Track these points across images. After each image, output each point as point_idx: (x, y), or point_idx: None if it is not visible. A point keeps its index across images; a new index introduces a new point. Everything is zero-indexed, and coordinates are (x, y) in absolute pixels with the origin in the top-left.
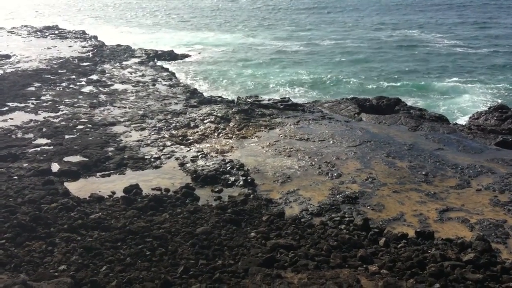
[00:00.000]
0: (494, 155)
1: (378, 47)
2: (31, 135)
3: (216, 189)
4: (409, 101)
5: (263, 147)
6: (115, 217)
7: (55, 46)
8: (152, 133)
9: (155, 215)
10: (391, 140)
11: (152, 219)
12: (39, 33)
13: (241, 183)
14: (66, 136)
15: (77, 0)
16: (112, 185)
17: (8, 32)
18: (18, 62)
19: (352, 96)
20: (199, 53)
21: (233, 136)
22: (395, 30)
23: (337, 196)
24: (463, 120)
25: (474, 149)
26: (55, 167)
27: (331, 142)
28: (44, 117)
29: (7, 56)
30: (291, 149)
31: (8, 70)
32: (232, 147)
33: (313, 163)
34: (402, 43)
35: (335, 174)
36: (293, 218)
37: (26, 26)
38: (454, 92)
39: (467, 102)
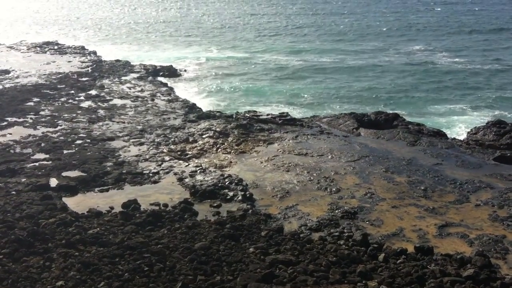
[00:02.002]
0: (492, 170)
1: (378, 65)
2: (29, 150)
3: (215, 204)
4: (407, 116)
5: (261, 162)
6: (113, 232)
7: (55, 61)
8: (151, 148)
9: (153, 230)
10: (389, 155)
11: (150, 234)
12: (38, 49)
13: (239, 198)
14: (65, 151)
15: (78, 15)
16: (110, 200)
17: (8, 47)
18: (18, 77)
19: (350, 111)
20: (198, 68)
21: (232, 151)
22: (396, 46)
23: (336, 211)
24: (461, 135)
25: (472, 164)
26: (53, 182)
27: (329, 157)
28: (43, 132)
29: (7, 71)
30: (290, 164)
31: (8, 85)
32: (231, 162)
33: (311, 178)
34: (403, 59)
35: (334, 189)
36: (292, 233)
37: (25, 41)
38: (451, 107)
39: (465, 117)
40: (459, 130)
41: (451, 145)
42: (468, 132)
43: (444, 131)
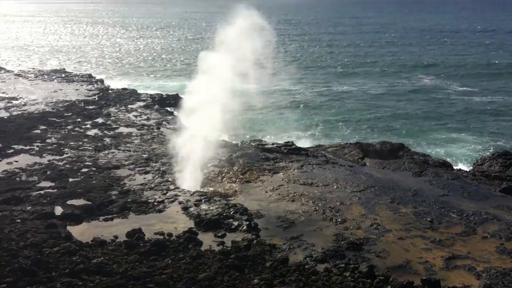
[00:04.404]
0: (499, 202)
1: (383, 93)
2: (35, 178)
3: (219, 234)
4: (413, 145)
5: (266, 191)
6: (117, 262)
7: (62, 89)
8: (156, 176)
9: (157, 260)
10: (395, 186)
11: (154, 264)
12: (46, 76)
13: (244, 228)
14: (70, 179)
15: (84, 44)
16: (115, 229)
17: (16, 75)
18: (25, 104)
19: (355, 140)
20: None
21: (237, 180)
22: (402, 74)
23: (342, 242)
24: (467, 166)
25: (479, 195)
26: (58, 210)
27: (335, 187)
28: (49, 160)
29: (14, 99)
30: (295, 194)
31: (15, 113)
32: (236, 191)
33: (317, 208)
34: (409, 88)
35: (340, 220)
36: (297, 264)
37: (33, 69)
38: (457, 137)
39: (471, 147)
40: (465, 161)
41: (457, 176)
42: (474, 163)
43: (449, 161)
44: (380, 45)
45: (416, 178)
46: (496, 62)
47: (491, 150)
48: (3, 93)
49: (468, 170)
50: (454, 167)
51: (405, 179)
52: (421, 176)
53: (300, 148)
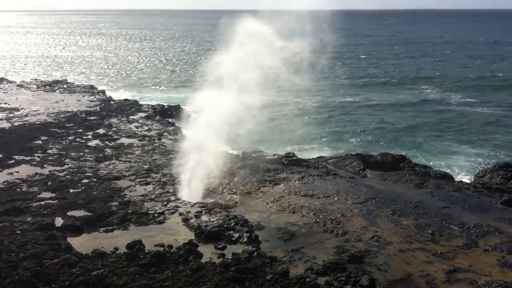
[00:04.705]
0: (500, 214)
1: (384, 104)
2: (35, 189)
3: (220, 246)
4: (414, 158)
5: (267, 203)
6: (117, 274)
7: (63, 100)
8: (157, 187)
9: (157, 272)
10: (396, 197)
11: (155, 276)
12: (48, 87)
13: (245, 239)
14: (71, 190)
15: (85, 55)
16: (115, 240)
17: (18, 85)
18: (26, 115)
19: (356, 152)
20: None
21: (238, 191)
22: (405, 86)
23: (343, 254)
24: (468, 178)
25: (480, 207)
26: (58, 221)
27: (336, 198)
28: (50, 171)
29: (16, 109)
30: (296, 205)
31: (16, 123)
32: (236, 202)
33: (318, 220)
34: (410, 99)
35: (340, 232)
36: (298, 277)
37: (35, 80)
38: (458, 148)
39: (472, 159)
40: (466, 173)
41: (458, 188)
42: (475, 175)
43: (450, 173)
44: (382, 57)
45: (417, 190)
46: (500, 74)
47: (492, 162)
48: (5, 103)
49: (469, 182)
50: (455, 179)
51: (406, 191)
52: (422, 188)
53: (301, 159)
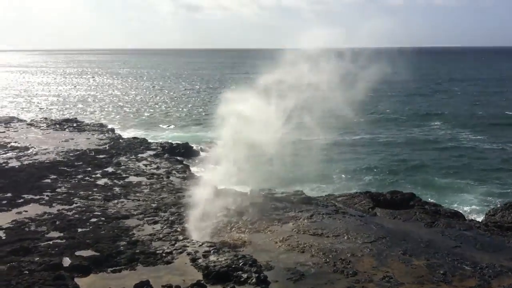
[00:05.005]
0: None
1: (393, 141)
2: (44, 228)
3: (228, 287)
4: (424, 196)
5: (276, 242)
6: None
7: (73, 139)
8: (165, 226)
9: None
10: (407, 237)
11: None
12: (58, 126)
13: (253, 280)
14: (79, 229)
15: (95, 94)
16: (122, 281)
17: (28, 124)
18: (36, 154)
19: (365, 190)
20: (215, 147)
21: (246, 230)
22: (415, 122)
23: None
24: (479, 217)
25: (492, 247)
26: (66, 261)
27: (345, 237)
28: (58, 210)
29: (26, 148)
30: (305, 245)
31: (26, 162)
32: (245, 241)
33: (327, 259)
34: (420, 136)
35: (351, 272)
36: None
37: (45, 118)
38: (469, 187)
39: (483, 198)
40: (477, 211)
41: (470, 227)
42: (486, 214)
43: (461, 211)
44: (391, 94)
45: (428, 229)
46: (510, 113)
47: (503, 200)
48: (15, 142)
49: (480, 221)
50: (466, 218)
51: (417, 229)
52: (433, 226)
53: (309, 197)
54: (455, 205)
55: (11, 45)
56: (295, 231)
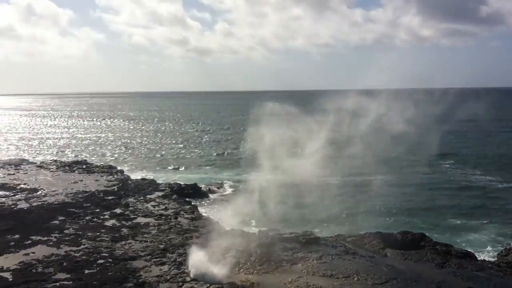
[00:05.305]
0: None
1: (403, 181)
2: (51, 269)
3: None
4: (434, 236)
5: (285, 284)
6: None
7: (82, 180)
8: (173, 268)
9: None
10: (418, 278)
11: None
12: (67, 168)
13: None
14: (86, 271)
15: (103, 136)
16: None
17: (38, 166)
18: (45, 195)
19: (375, 230)
20: (223, 188)
21: (254, 271)
22: (423, 162)
23: None
24: (491, 257)
25: (505, 287)
26: None
27: (355, 279)
28: (66, 251)
29: (35, 190)
30: (314, 286)
31: (35, 204)
32: (253, 283)
33: None
34: (430, 176)
35: None
36: None
37: (55, 160)
38: (480, 227)
39: (495, 238)
40: (488, 251)
41: (482, 268)
42: (499, 254)
43: (472, 251)
44: (399, 135)
45: (439, 270)
46: None
47: None
48: (25, 184)
49: (492, 261)
50: (478, 258)
51: (428, 270)
52: (444, 267)
53: (318, 237)
54: (467, 245)
55: (23, 89)
56: (304, 272)
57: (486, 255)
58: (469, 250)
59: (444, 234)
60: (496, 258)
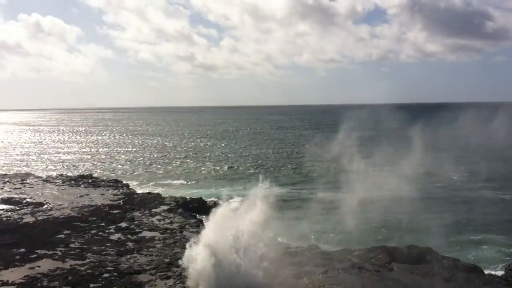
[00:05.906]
0: None
1: (409, 195)
2: (56, 283)
3: None
4: (441, 250)
5: None
6: None
7: (88, 194)
8: (178, 282)
9: None
10: None
11: None
12: (73, 182)
13: None
14: (91, 285)
15: (110, 150)
16: None
17: (44, 180)
18: (51, 209)
19: (381, 244)
20: (231, 202)
21: None
22: (431, 172)
23: None
24: (499, 271)
25: None
26: None
27: None
28: (71, 265)
29: (40, 204)
30: None
31: (40, 218)
32: None
33: None
34: (435, 189)
35: None
36: None
37: (61, 175)
38: (487, 240)
39: (502, 252)
40: (496, 265)
41: (489, 282)
42: (506, 268)
43: (480, 265)
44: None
45: (446, 284)
46: None
47: None
48: (31, 198)
49: (500, 275)
50: (485, 272)
51: (435, 285)
52: (451, 281)
53: (324, 252)
54: (474, 259)
55: (30, 105)
56: (310, 286)
57: (494, 269)
58: (476, 264)
59: (451, 248)
60: (504, 272)
